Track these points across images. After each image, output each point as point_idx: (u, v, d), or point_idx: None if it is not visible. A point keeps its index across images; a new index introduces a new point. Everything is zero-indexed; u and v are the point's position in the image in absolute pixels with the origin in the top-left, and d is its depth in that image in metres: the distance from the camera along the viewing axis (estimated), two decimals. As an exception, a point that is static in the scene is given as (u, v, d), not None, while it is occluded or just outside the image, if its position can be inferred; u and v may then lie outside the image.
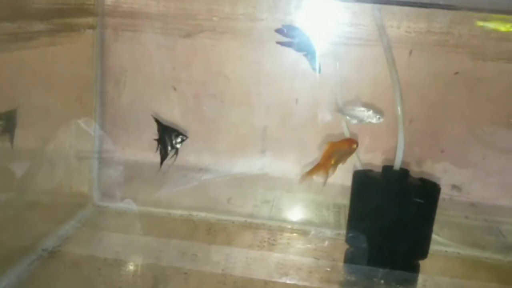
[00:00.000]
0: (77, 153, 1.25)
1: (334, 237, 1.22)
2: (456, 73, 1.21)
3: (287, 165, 1.31)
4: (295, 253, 1.16)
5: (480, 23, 1.06)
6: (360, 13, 1.15)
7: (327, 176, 1.05)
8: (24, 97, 1.04)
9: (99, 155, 1.32)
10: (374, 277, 1.07)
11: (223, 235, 1.22)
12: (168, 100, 1.30)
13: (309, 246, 1.19)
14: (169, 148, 1.13)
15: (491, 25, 1.05)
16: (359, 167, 1.17)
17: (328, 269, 1.10)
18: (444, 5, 0.95)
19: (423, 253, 1.08)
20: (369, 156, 1.23)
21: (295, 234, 1.25)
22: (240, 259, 1.11)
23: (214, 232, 1.23)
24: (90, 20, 1.26)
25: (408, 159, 1.19)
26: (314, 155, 1.20)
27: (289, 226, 1.27)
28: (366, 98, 1.19)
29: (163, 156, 1.14)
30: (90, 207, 1.30)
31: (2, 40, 0.96)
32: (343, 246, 1.14)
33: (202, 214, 1.30)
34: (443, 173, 1.28)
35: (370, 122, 1.10)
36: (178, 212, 1.30)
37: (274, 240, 1.21)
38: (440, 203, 1.06)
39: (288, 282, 1.04)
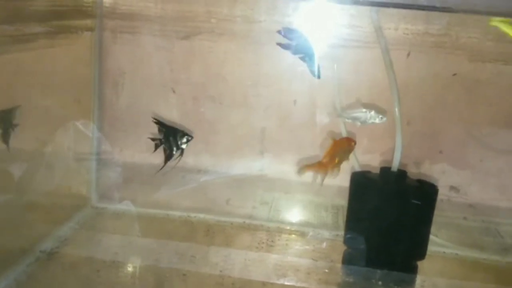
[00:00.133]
0: (76, 155, 1.25)
1: (332, 238, 1.22)
2: (454, 74, 1.21)
3: (286, 167, 1.31)
4: (293, 254, 1.16)
5: (495, 22, 1.02)
6: (357, 15, 1.15)
7: (325, 175, 1.06)
8: (22, 99, 1.04)
9: (97, 157, 1.32)
10: (372, 278, 1.07)
11: (222, 236, 1.22)
12: (167, 102, 1.31)
13: (307, 247, 1.19)
14: (175, 148, 1.12)
15: (504, 27, 1.01)
16: (357, 169, 1.17)
17: (326, 270, 1.10)
18: (440, 8, 0.95)
19: (421, 254, 1.08)
20: (367, 158, 1.23)
21: (293, 236, 1.24)
22: (238, 260, 1.11)
23: (213, 233, 1.23)
24: (88, 22, 1.26)
25: (406, 161, 1.19)
26: (313, 156, 1.20)
27: (288, 228, 1.27)
28: (364, 99, 1.18)
29: (168, 157, 1.13)
30: (89, 208, 1.30)
31: (0, 42, 0.96)
32: (341, 247, 1.15)
33: (201, 216, 1.30)
34: (441, 174, 1.28)
35: (373, 123, 1.10)
36: (176, 213, 1.30)
37: (272, 241, 1.21)
38: (438, 204, 1.07)
39: (286, 283, 1.04)
